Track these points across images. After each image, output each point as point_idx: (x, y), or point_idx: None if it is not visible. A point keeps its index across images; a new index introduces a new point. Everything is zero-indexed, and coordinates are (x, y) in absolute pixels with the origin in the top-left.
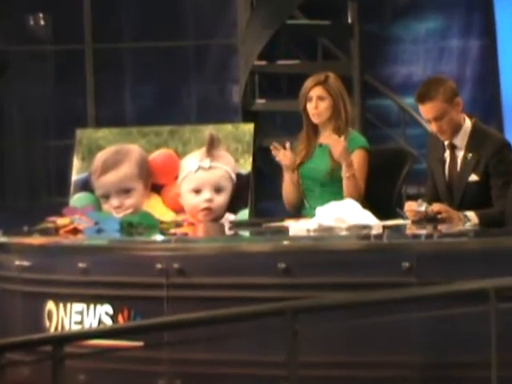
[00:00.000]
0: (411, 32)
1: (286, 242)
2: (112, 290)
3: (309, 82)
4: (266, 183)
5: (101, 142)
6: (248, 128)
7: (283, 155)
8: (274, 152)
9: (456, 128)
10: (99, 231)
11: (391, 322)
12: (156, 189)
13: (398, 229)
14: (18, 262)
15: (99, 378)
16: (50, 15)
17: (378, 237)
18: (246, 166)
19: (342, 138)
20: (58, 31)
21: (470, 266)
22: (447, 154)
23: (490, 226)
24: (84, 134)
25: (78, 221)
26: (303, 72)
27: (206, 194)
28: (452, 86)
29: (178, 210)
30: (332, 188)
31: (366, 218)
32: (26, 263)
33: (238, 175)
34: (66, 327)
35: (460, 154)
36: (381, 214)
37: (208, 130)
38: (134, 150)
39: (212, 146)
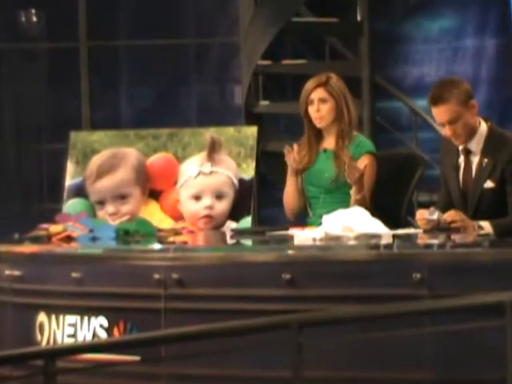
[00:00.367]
0: (423, 30)
1: (290, 252)
2: (107, 301)
3: (309, 85)
4: (270, 189)
5: (96, 145)
6: (251, 131)
7: (293, 159)
8: (287, 156)
9: (471, 132)
10: (94, 239)
11: (401, 337)
12: (154, 195)
13: (409, 238)
14: (8, 272)
15: None
16: (42, 11)
17: (388, 246)
18: (248, 171)
19: (362, 166)
20: (51, 28)
21: (484, 278)
22: (461, 159)
23: (506, 235)
24: (78, 137)
25: (72, 228)
26: (309, 72)
27: (207, 200)
28: (467, 88)
29: (177, 217)
30: (337, 195)
31: (375, 226)
32: (16, 273)
33: (241, 181)
34: (59, 340)
35: (475, 160)
36: (391, 222)
37: (209, 133)
38: (131, 153)
39: (213, 149)
